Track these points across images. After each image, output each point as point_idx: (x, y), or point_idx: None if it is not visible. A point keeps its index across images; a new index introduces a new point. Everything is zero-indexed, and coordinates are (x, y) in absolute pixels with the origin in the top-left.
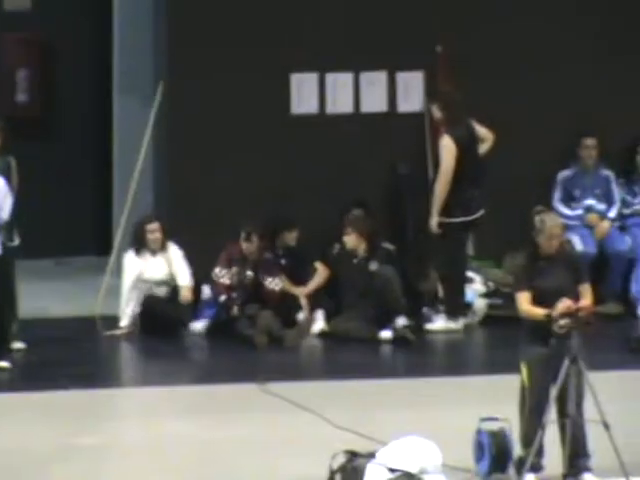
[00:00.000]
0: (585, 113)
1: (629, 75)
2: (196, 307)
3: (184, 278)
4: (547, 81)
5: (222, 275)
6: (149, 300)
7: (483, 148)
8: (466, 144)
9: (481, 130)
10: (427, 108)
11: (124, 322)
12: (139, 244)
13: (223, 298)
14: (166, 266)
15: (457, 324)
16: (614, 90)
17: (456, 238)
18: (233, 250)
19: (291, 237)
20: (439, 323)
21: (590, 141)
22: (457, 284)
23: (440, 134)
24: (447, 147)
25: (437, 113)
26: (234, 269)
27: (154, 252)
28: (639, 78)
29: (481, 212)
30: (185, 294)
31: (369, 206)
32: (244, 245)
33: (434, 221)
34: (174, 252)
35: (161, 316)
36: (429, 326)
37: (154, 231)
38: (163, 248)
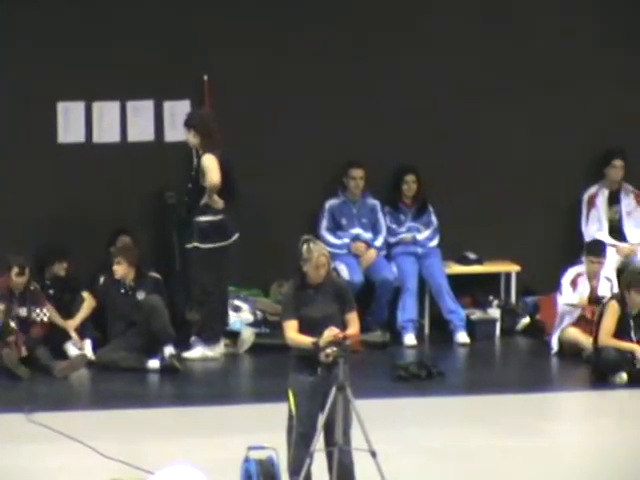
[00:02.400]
0: (348, 145)
1: (390, 105)
2: None
3: None
4: (311, 110)
5: None
6: None
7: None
8: (223, 169)
9: None
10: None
11: None
12: None
13: None
14: None
15: (214, 351)
16: (377, 121)
17: (213, 264)
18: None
19: (61, 267)
20: (197, 351)
21: (357, 172)
22: (214, 311)
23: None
24: (210, 160)
25: (193, 139)
26: (1, 306)
27: None
28: (397, 110)
29: (236, 235)
30: None
31: (136, 235)
32: (17, 279)
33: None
34: None
35: None
36: (187, 354)
37: None
38: None
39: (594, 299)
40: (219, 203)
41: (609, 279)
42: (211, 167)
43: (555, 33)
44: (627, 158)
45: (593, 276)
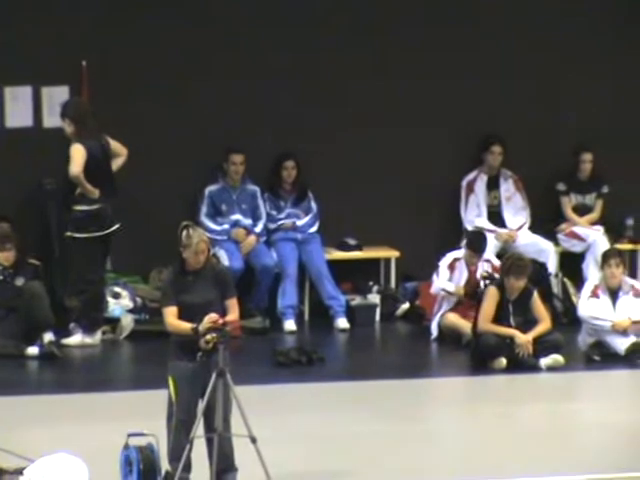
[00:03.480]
0: (229, 130)
1: (270, 90)
2: None
3: None
4: (191, 96)
5: None
6: None
7: (117, 163)
8: (98, 158)
9: (115, 145)
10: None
11: None
12: None
13: None
14: None
15: (93, 339)
16: (257, 107)
17: (90, 253)
18: None
19: None
20: (75, 338)
21: (237, 157)
22: (93, 299)
23: None
24: (76, 150)
25: (68, 128)
26: None
27: None
28: (277, 95)
29: (116, 226)
30: None
31: (15, 222)
32: None
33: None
34: None
35: None
36: (66, 340)
37: None
38: None
39: (472, 284)
40: (94, 193)
41: (488, 260)
42: (75, 157)
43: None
44: (506, 144)
45: (470, 262)
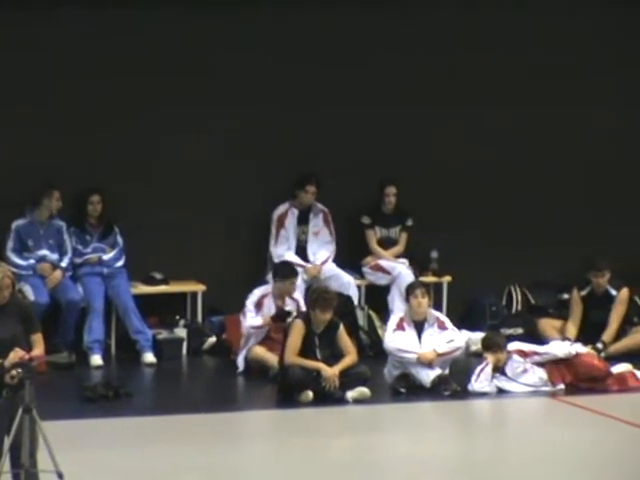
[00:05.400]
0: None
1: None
2: None
3: None
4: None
5: None
6: None
7: None
8: None
9: None
10: None
11: None
12: None
13: None
14: None
15: None
16: (71, 143)
17: None
18: None
19: None
20: None
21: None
22: None
23: None
24: None
25: None
26: None
27: None
28: (85, 132)
29: None
30: None
31: None
32: None
33: None
34: None
35: None
36: None
37: None
38: None
39: (279, 317)
40: None
41: (294, 299)
42: None
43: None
44: (320, 182)
45: (279, 296)
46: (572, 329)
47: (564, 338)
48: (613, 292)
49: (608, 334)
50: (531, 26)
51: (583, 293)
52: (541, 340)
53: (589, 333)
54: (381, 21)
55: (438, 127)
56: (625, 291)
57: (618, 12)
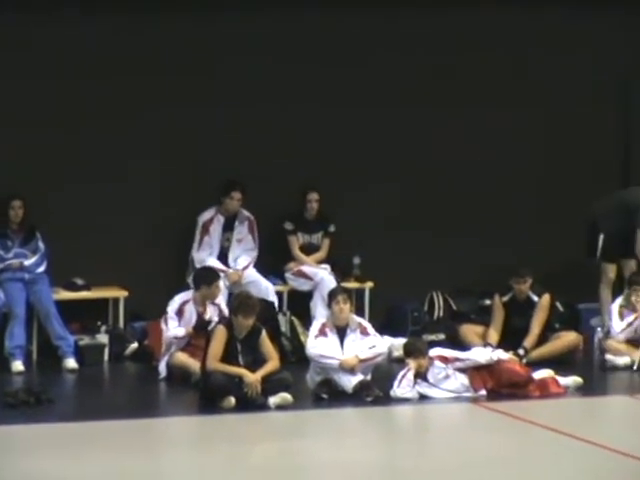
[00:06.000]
0: None
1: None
2: None
3: None
4: None
5: None
6: None
7: None
8: None
9: None
10: None
11: None
12: None
13: None
14: None
15: None
16: None
17: None
18: None
19: None
20: None
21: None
22: None
23: None
24: None
25: None
26: None
27: None
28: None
29: None
30: None
31: None
32: None
33: None
34: None
35: None
36: None
37: None
38: None
39: (200, 328)
40: None
41: (216, 304)
42: None
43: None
44: (246, 189)
45: (201, 302)
46: (493, 335)
47: (486, 344)
48: (535, 298)
49: (529, 340)
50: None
51: (505, 299)
52: (463, 346)
53: (511, 339)
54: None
55: (360, 132)
56: (546, 297)
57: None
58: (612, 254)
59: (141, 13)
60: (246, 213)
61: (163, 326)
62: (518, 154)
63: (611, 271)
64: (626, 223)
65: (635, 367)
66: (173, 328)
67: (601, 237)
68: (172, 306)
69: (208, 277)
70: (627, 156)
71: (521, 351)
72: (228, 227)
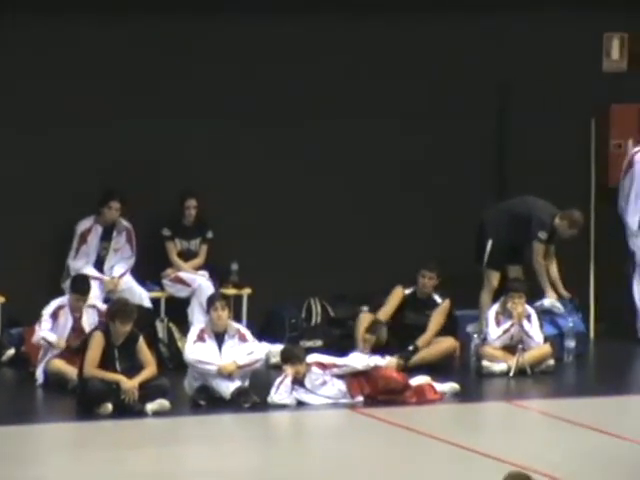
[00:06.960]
0: None
1: None
2: None
3: None
4: None
5: None
6: None
7: None
8: None
9: None
10: None
11: None
12: None
13: None
14: None
15: None
16: None
17: None
18: None
19: None
20: None
21: None
22: None
23: None
24: None
25: None
26: None
27: None
28: None
29: None
30: None
31: None
32: None
33: None
34: None
35: None
36: None
37: None
38: None
39: (78, 331)
40: None
41: (94, 306)
42: None
43: None
44: (125, 199)
45: (76, 309)
46: (381, 316)
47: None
48: (438, 299)
49: (423, 340)
50: None
51: (407, 292)
52: (341, 352)
53: (400, 333)
54: None
55: (236, 139)
56: (448, 302)
57: None
58: (499, 262)
59: None
60: (125, 223)
61: (37, 327)
62: (402, 159)
63: (495, 278)
64: (517, 232)
65: (511, 373)
66: (45, 330)
67: (489, 244)
68: (47, 309)
69: (77, 287)
70: (501, 160)
71: (411, 347)
72: (106, 237)
